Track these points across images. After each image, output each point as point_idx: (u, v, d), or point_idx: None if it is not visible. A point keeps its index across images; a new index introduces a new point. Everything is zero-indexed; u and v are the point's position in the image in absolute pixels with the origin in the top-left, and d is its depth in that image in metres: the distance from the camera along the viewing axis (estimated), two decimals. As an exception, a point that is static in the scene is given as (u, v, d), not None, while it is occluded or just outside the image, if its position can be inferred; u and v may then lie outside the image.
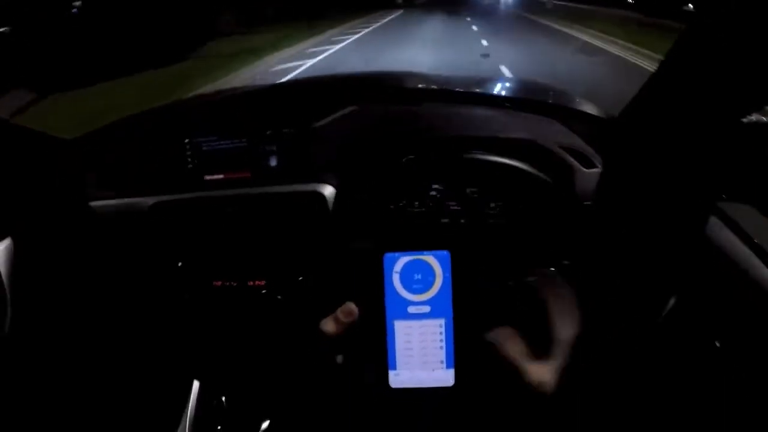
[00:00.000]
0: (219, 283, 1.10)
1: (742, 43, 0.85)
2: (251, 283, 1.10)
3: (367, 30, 16.53)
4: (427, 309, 0.95)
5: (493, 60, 9.40)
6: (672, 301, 0.94)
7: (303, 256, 1.11)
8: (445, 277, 0.93)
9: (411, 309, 0.95)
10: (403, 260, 0.95)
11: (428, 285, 0.95)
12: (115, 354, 1.10)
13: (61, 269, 1.08)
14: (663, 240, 0.94)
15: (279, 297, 1.10)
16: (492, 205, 1.08)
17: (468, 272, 0.95)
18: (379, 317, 0.93)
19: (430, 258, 0.94)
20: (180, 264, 1.12)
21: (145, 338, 1.11)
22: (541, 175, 1.07)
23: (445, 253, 0.93)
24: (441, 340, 0.94)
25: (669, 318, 0.93)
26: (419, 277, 0.95)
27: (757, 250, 0.90)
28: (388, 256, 0.94)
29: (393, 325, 0.94)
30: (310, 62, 10.09)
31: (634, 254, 0.96)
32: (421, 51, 11.18)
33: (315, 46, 12.34)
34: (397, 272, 0.94)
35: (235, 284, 1.10)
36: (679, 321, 0.93)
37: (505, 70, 8.61)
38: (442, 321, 0.93)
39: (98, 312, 1.10)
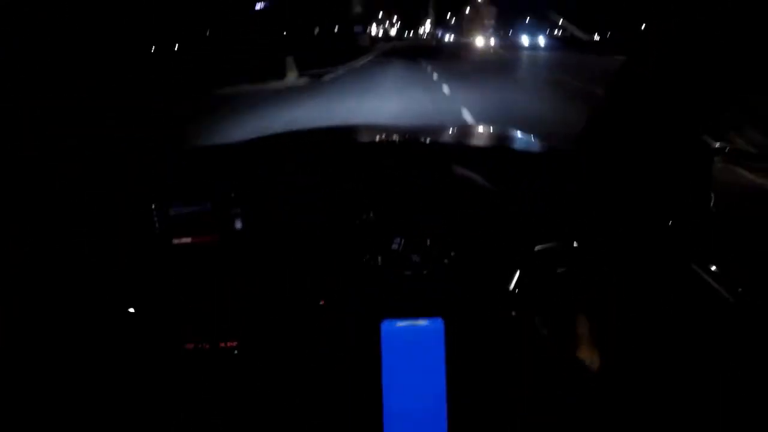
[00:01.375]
0: (191, 345, 1.08)
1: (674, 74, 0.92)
2: (223, 344, 1.09)
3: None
4: (422, 375, 0.95)
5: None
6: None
7: (275, 314, 1.11)
8: (437, 346, 0.93)
9: (406, 374, 0.95)
10: (396, 327, 0.95)
11: (420, 352, 0.95)
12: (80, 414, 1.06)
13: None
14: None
15: (252, 358, 1.10)
16: (452, 254, 1.11)
17: (462, 338, 0.97)
18: (374, 385, 0.93)
19: (423, 325, 0.94)
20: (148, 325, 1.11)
21: (114, 401, 1.07)
22: (498, 220, 1.11)
23: (438, 320, 0.94)
24: (437, 406, 0.93)
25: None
26: (411, 345, 0.95)
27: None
28: (386, 323, 0.94)
29: (386, 393, 0.94)
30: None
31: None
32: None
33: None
34: (390, 340, 0.93)
35: (207, 346, 1.08)
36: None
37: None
38: (438, 388, 0.93)
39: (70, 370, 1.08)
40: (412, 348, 0.96)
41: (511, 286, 1.06)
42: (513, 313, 1.04)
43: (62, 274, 1.10)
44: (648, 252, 1.02)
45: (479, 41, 51.26)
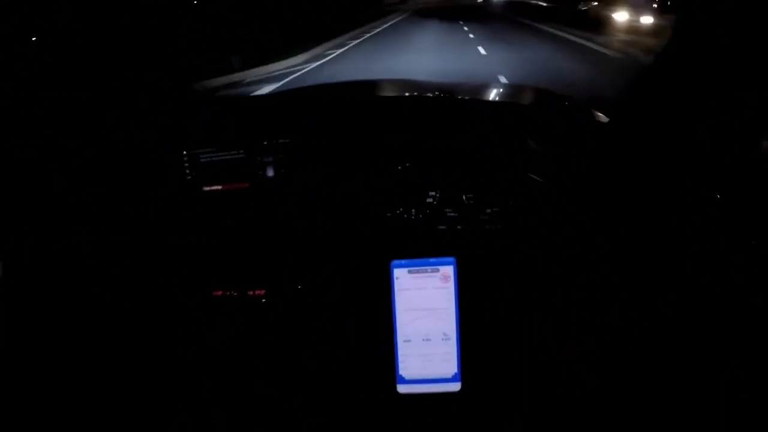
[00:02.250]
0: (219, 293, 1.11)
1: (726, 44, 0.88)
2: (251, 292, 1.12)
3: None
4: (434, 316, 0.96)
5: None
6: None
7: (303, 264, 1.12)
8: (451, 285, 0.94)
9: (418, 315, 0.97)
10: (409, 268, 0.96)
11: (434, 292, 0.96)
12: (111, 363, 1.10)
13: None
14: (661, 234, 0.96)
15: (280, 307, 1.11)
16: (488, 210, 1.10)
17: (474, 280, 0.97)
18: (387, 326, 0.95)
19: (436, 266, 0.95)
20: (177, 273, 1.14)
21: (143, 349, 1.11)
22: (534, 177, 1.09)
23: (450, 259, 0.95)
24: (448, 347, 0.95)
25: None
26: (425, 285, 0.96)
27: None
28: (396, 263, 0.96)
29: (399, 333, 0.96)
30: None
31: (634, 244, 0.98)
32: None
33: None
34: (403, 280, 0.95)
35: (235, 294, 1.11)
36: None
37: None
38: (449, 328, 0.94)
39: (96, 319, 1.11)
40: (424, 286, 0.97)
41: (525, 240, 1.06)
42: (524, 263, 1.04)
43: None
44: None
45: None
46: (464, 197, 1.10)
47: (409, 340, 0.96)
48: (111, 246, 1.12)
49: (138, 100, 1.28)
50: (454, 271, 0.95)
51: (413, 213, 1.10)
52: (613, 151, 1.07)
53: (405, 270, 0.97)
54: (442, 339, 0.95)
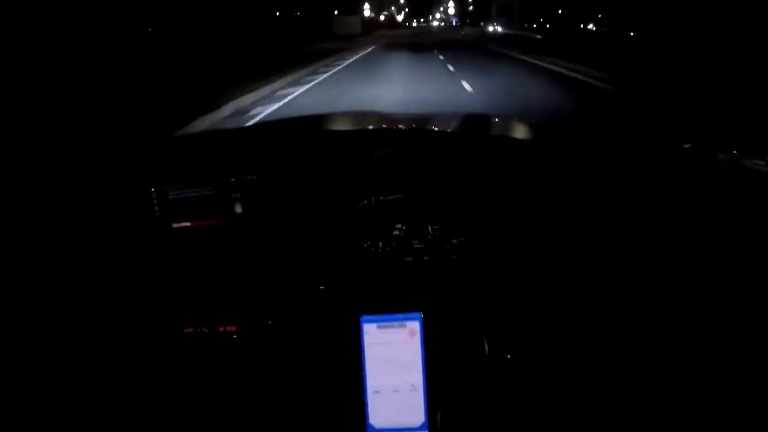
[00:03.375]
0: (190, 329, 1.10)
1: None
2: (222, 329, 1.11)
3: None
4: (402, 369, 0.98)
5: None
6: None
7: (273, 300, 1.13)
8: (418, 339, 0.97)
9: (387, 368, 0.98)
10: (378, 323, 0.98)
11: (402, 347, 0.98)
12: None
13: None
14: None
15: (251, 343, 1.11)
16: (454, 241, 1.13)
17: (440, 334, 0.99)
18: (357, 378, 0.96)
19: (403, 322, 0.98)
20: (146, 309, 1.13)
21: (112, 386, 1.09)
22: (499, 206, 1.13)
23: (417, 315, 0.97)
24: (416, 398, 0.97)
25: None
26: (393, 339, 0.98)
27: None
28: (365, 318, 0.98)
29: (368, 385, 0.97)
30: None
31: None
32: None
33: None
34: (372, 335, 0.97)
35: (206, 330, 1.10)
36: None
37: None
38: (416, 380, 0.96)
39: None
40: (392, 341, 0.99)
41: (503, 282, 1.08)
42: (500, 312, 1.07)
43: (62, 267, 1.11)
44: (646, 250, 1.03)
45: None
46: (430, 228, 1.13)
47: (378, 392, 0.98)
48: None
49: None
50: (421, 326, 0.98)
51: (379, 246, 1.13)
52: (585, 174, 1.10)
53: (374, 325, 1.00)
54: (410, 390, 0.97)
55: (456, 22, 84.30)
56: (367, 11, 54.03)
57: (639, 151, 1.26)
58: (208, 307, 1.13)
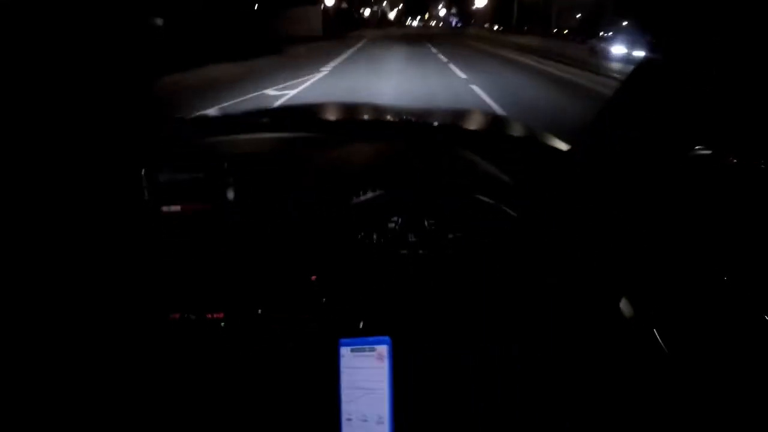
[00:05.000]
0: (177, 315, 1.09)
1: (685, 84, 0.93)
2: (210, 316, 1.10)
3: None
4: (371, 396, 0.99)
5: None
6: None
7: (262, 287, 1.13)
8: (386, 365, 0.98)
9: (358, 395, 0.99)
10: (351, 347, 0.99)
11: (371, 372, 0.99)
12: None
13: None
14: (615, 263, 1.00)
15: (239, 331, 1.11)
16: (450, 236, 1.14)
17: (409, 361, 1.00)
18: (333, 402, 0.97)
19: (373, 346, 0.98)
20: (133, 294, 1.13)
21: (99, 373, 1.08)
22: (496, 204, 1.14)
23: (386, 339, 0.99)
24: (382, 430, 0.97)
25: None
26: (364, 364, 0.99)
27: None
28: (342, 341, 0.99)
29: (343, 410, 0.99)
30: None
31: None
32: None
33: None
34: (347, 359, 0.97)
35: (193, 317, 1.10)
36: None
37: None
38: (383, 410, 0.97)
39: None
40: (363, 365, 1.00)
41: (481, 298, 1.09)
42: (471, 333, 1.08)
43: (49, 252, 1.10)
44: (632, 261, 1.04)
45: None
46: (426, 223, 1.14)
47: (350, 419, 0.98)
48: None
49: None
50: (389, 351, 0.98)
51: (375, 238, 1.14)
52: (574, 179, 1.11)
53: (348, 348, 1.00)
54: (377, 422, 0.97)
55: (456, 23, 76.34)
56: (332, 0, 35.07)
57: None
58: (196, 293, 1.12)
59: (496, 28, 49.19)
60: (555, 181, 1.13)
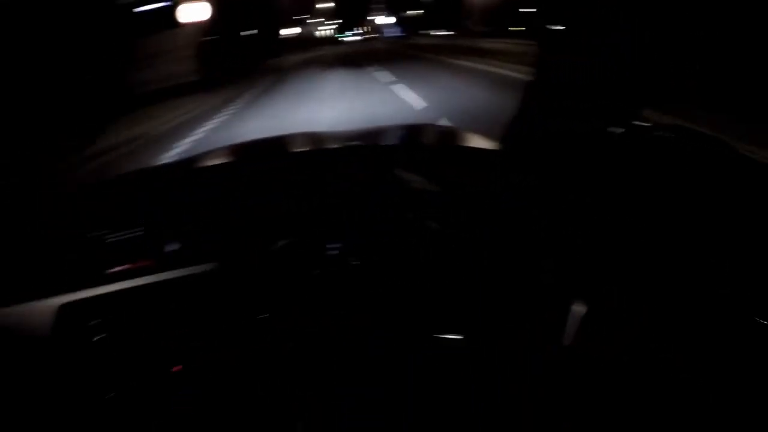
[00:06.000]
0: (135, 371, 1.11)
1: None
2: (174, 369, 1.11)
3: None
4: None
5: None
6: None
7: (213, 334, 1.14)
8: None
9: None
10: None
11: None
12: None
13: None
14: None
15: (198, 381, 1.12)
16: (390, 255, 1.15)
17: None
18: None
19: None
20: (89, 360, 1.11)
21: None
22: (428, 221, 1.17)
23: None
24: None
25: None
26: None
27: None
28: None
29: None
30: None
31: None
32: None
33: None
34: None
35: (152, 371, 1.11)
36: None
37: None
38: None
39: None
40: None
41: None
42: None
43: None
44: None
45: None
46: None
47: None
48: None
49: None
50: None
51: (316, 267, 1.16)
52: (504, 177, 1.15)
53: None
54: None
55: (402, 32, 65.25)
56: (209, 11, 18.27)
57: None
58: (154, 348, 1.13)
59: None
60: (485, 181, 1.16)
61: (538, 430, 1.00)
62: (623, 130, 1.04)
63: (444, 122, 7.26)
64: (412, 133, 1.99)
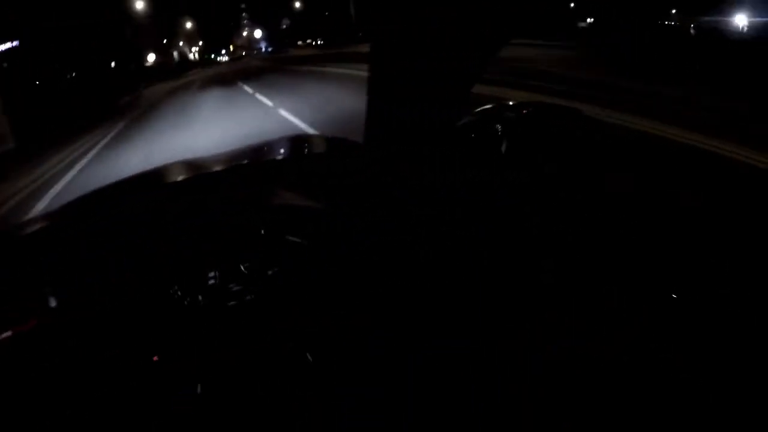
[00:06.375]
0: None
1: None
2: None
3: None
4: None
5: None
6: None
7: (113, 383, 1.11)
8: None
9: None
10: None
11: None
12: None
13: None
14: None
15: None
16: (269, 272, 1.18)
17: None
18: None
19: None
20: None
21: None
22: (293, 238, 1.21)
23: None
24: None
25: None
26: None
27: None
28: None
29: None
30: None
31: None
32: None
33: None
34: None
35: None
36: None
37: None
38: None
39: None
40: None
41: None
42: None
43: None
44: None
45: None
46: (242, 267, 1.18)
47: None
48: None
49: None
50: None
51: (196, 296, 1.16)
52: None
53: None
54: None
55: (266, 47, 68.54)
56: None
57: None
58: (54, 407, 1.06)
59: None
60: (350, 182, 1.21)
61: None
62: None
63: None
64: (289, 145, 2.01)
